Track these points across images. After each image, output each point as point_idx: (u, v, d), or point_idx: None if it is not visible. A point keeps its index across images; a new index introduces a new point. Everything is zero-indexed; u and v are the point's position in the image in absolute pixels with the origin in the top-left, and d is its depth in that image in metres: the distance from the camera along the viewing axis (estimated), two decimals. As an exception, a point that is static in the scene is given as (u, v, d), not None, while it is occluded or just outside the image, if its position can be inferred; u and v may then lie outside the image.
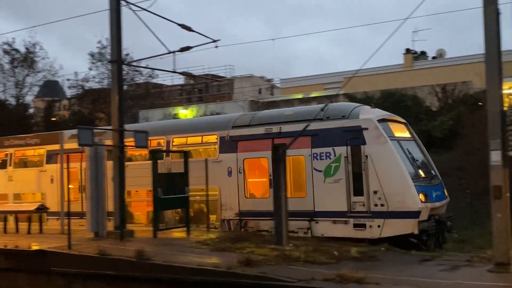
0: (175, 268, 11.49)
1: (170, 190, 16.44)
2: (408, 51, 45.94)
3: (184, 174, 17.00)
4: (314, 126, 15.01)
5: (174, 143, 18.79)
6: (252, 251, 12.54)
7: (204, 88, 57.67)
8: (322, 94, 38.12)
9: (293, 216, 14.90)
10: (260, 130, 16.88)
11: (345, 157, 15.14)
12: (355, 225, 14.85)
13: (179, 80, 56.06)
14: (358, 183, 14.91)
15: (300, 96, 39.44)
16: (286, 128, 16.28)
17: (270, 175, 15.89)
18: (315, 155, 15.67)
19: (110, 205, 16.87)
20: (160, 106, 45.31)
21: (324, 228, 15.40)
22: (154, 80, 46.93)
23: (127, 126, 17.83)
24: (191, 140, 18.65)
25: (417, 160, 16.01)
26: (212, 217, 17.77)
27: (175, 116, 38.62)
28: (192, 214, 17.75)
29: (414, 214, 14.29)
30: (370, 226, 14.64)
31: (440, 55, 46.25)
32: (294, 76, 65.94)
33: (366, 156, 14.88)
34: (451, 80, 31.92)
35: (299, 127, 14.93)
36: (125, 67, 34.34)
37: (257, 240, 14.10)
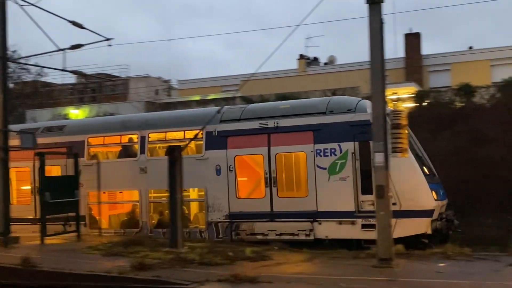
0: (64, 274, 11.01)
1: (61, 193, 15.76)
2: (302, 56, 47.37)
3: (75, 177, 16.34)
4: (316, 120, 14.63)
5: (150, 139, 16.94)
6: (146, 255, 12.32)
7: (98, 88, 55.78)
8: (220, 96, 38.34)
9: (293, 217, 14.34)
10: (254, 125, 15.48)
11: (352, 153, 14.26)
12: (364, 226, 13.96)
13: (70, 79, 53.79)
14: (367, 180, 13.80)
15: (198, 97, 39.38)
16: (284, 122, 15.09)
17: (266, 173, 15.04)
18: (318, 151, 14.62)
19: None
20: (50, 106, 43.19)
21: (328, 229, 14.37)
22: (43, 79, 44.67)
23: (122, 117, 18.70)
24: (171, 135, 16.83)
25: (421, 156, 15.45)
26: (197, 220, 16.49)
27: (66, 117, 36.98)
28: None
29: (429, 213, 13.76)
30: None
31: (331, 61, 48.14)
32: (191, 77, 65.78)
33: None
34: (341, 85, 33.38)
35: (298, 121, 14.70)
36: (11, 65, 32.57)
37: (151, 243, 13.87)
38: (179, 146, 13.92)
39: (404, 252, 12.35)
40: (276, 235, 14.70)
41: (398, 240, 12.51)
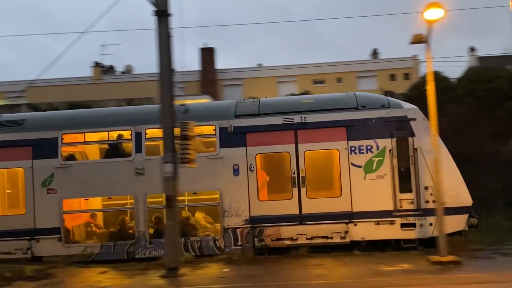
0: None
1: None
2: (97, 64, 45.99)
3: None
4: (348, 116, 13.79)
5: (147, 136, 14.44)
6: None
7: None
8: (5, 103, 35.23)
9: (326, 219, 13.25)
10: (277, 120, 14.05)
11: (390, 150, 13.77)
12: (403, 225, 13.53)
13: None
14: (406, 178, 13.54)
15: (-23, 104, 35.58)
16: (313, 118, 13.93)
17: (294, 173, 13.84)
18: (352, 148, 13.85)
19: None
20: None
21: (365, 230, 13.56)
22: None
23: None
24: (176, 131, 13.68)
25: None
26: (210, 227, 14.53)
27: None
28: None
29: (467, 210, 13.67)
30: (421, 225, 13.48)
31: (128, 70, 47.60)
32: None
33: (415, 149, 13.65)
34: (138, 95, 33.15)
35: (329, 117, 13.81)
36: None
37: None
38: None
39: (193, 260, 12.67)
40: (307, 239, 13.61)
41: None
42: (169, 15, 11.40)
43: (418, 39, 12.39)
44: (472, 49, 43.58)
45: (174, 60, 11.70)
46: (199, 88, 41.98)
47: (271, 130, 14.11)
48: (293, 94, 31.33)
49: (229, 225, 13.80)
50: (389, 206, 13.62)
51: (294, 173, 14.03)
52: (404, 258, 12.25)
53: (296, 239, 13.58)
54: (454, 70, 59.91)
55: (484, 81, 24.78)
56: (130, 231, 14.35)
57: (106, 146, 15.22)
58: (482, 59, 40.43)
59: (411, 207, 13.57)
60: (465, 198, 13.68)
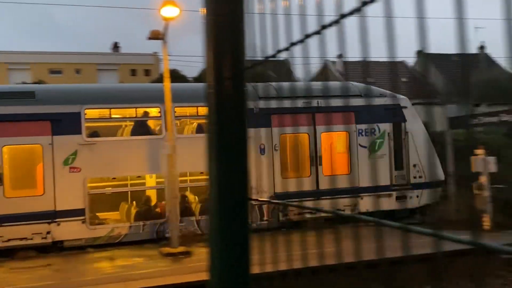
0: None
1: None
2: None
3: None
4: (356, 102, 15.06)
5: (176, 114, 14.89)
6: None
7: None
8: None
9: (338, 194, 14.17)
10: (298, 103, 14.45)
11: (388, 133, 15.85)
12: (397, 198, 15.55)
13: None
14: (399, 158, 15.76)
15: None
16: (327, 102, 14.22)
17: (312, 152, 15.18)
18: (360, 131, 15.57)
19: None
20: None
21: (370, 203, 14.66)
22: None
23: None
24: (202, 110, 14.14)
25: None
26: None
27: None
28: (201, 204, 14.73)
29: (442, 184, 16.11)
30: (410, 197, 15.64)
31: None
32: None
33: (407, 133, 15.66)
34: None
35: (341, 102, 14.06)
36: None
37: None
38: None
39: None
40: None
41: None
42: None
43: (156, 35, 12.74)
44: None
45: None
46: None
47: (292, 112, 14.72)
48: (25, 83, 28.72)
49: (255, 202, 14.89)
50: (388, 182, 15.63)
51: (312, 153, 15.35)
52: (138, 252, 12.73)
53: (315, 213, 14.64)
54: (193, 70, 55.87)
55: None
56: (158, 210, 14.37)
57: (133, 123, 14.97)
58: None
59: (403, 182, 15.74)
60: (440, 174, 15.85)
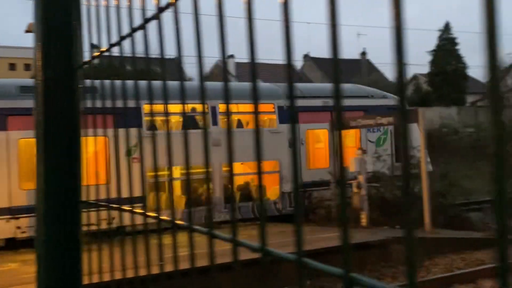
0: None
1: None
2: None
3: None
4: (365, 102, 17.51)
5: (220, 110, 16.20)
6: None
7: None
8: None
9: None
10: (318, 103, 17.28)
11: (390, 130, 18.12)
12: (397, 186, 15.85)
13: None
14: (397, 151, 17.58)
15: None
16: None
17: (331, 146, 17.16)
18: (368, 128, 17.19)
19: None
20: None
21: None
22: None
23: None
24: (242, 108, 16.68)
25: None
26: (269, 192, 16.89)
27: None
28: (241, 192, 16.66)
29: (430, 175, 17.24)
30: None
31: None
32: None
33: None
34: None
35: (353, 102, 17.03)
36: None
37: None
38: None
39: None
40: None
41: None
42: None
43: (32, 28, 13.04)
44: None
45: None
46: None
47: (314, 110, 17.13)
48: None
49: (285, 190, 16.91)
50: (389, 172, 17.57)
51: (331, 147, 17.50)
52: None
53: (333, 200, 16.61)
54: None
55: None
56: (205, 197, 15.69)
57: (183, 118, 16.13)
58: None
59: (399, 172, 17.76)
60: (429, 166, 18.10)
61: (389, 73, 43.15)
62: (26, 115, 14.86)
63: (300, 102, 17.12)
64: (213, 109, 15.95)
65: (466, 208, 17.78)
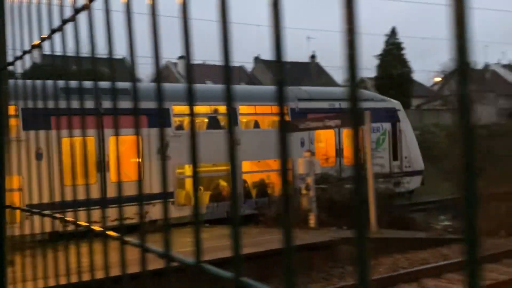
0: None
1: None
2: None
3: None
4: (367, 104, 18.39)
5: (240, 112, 18.03)
6: None
7: None
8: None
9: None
10: (325, 105, 18.89)
11: (388, 131, 19.67)
12: (395, 183, 18.96)
13: None
14: (395, 151, 19.67)
15: None
16: (345, 104, 15.32)
17: (337, 146, 19.00)
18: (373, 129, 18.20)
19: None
20: None
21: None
22: None
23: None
24: (260, 109, 18.45)
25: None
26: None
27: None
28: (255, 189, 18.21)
29: (423, 172, 20.77)
30: (403, 183, 19.43)
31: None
32: None
33: (400, 131, 19.72)
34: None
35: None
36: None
37: None
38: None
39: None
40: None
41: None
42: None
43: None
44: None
45: None
46: None
47: (322, 112, 18.11)
48: None
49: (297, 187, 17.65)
50: (388, 170, 19.30)
51: (337, 147, 19.23)
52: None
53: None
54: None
55: None
56: (225, 193, 17.28)
57: (207, 118, 18.01)
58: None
59: (398, 170, 19.98)
60: (422, 164, 20.79)
61: (338, 76, 43.93)
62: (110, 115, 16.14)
63: (310, 104, 18.98)
64: (233, 110, 17.59)
65: (411, 209, 18.26)
